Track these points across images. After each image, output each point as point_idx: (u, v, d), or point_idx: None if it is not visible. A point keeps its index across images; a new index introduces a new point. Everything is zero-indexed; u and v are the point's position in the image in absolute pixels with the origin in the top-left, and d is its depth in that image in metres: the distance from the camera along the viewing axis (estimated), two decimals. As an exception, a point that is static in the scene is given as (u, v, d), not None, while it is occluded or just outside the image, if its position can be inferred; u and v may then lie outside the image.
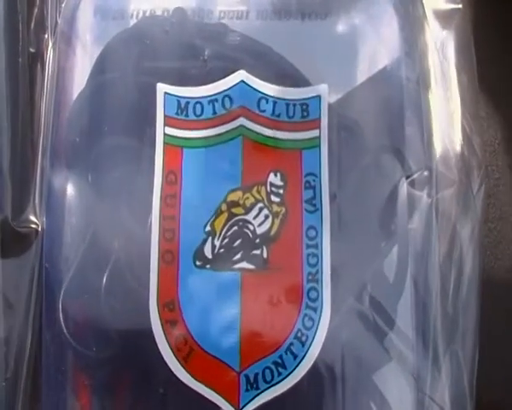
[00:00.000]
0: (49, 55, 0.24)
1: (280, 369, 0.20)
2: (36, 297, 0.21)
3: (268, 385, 0.20)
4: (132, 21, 0.24)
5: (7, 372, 0.21)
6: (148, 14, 0.24)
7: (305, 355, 0.20)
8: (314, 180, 0.22)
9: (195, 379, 0.20)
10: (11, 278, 0.21)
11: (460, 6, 0.26)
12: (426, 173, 0.21)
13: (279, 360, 0.20)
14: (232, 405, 0.20)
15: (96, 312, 0.21)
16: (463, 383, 0.22)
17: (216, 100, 0.22)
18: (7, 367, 0.21)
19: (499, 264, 0.27)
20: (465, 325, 0.23)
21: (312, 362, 0.20)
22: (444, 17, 0.26)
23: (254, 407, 0.20)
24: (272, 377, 0.20)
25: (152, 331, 0.20)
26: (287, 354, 0.20)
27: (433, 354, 0.22)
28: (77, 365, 0.20)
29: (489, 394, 0.23)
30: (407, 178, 0.22)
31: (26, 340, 0.20)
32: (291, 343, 0.20)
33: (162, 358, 0.20)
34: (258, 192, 0.22)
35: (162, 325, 0.20)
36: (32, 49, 0.24)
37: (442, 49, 0.26)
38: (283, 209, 0.21)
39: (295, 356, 0.20)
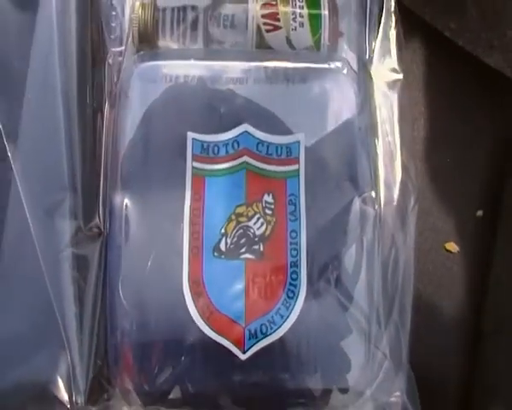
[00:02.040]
0: (107, 108, 0.36)
1: (272, 325, 0.32)
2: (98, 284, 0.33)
3: (264, 336, 0.31)
4: (165, 84, 0.36)
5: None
6: (174, 78, 0.36)
7: (288, 316, 0.32)
8: (295, 199, 0.34)
9: (214, 332, 0.31)
10: (82, 270, 0.33)
11: (401, 76, 0.38)
12: (372, 194, 0.34)
13: (271, 319, 0.32)
14: (239, 349, 0.31)
15: (144, 289, 0.32)
16: (400, 341, 0.34)
17: (228, 144, 0.34)
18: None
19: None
20: (401, 302, 0.35)
21: (293, 321, 0.32)
22: (389, 83, 0.39)
23: (254, 350, 0.31)
24: (267, 330, 0.31)
25: (185, 301, 0.32)
26: (276, 315, 0.32)
27: (378, 321, 0.34)
28: (129, 324, 0.32)
29: (418, 348, 0.35)
30: (359, 196, 0.34)
31: (97, 305, 0.32)
32: (279, 308, 0.32)
33: (192, 318, 0.31)
34: (257, 207, 0.34)
35: (192, 296, 0.32)
36: (94, 104, 0.36)
37: (388, 106, 0.38)
38: (274, 219, 0.33)
39: (282, 316, 0.32)
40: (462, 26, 0.89)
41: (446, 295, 0.39)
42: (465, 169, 0.40)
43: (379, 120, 0.37)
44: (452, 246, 0.40)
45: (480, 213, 0.40)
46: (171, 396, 0.33)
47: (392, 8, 0.40)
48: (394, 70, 0.38)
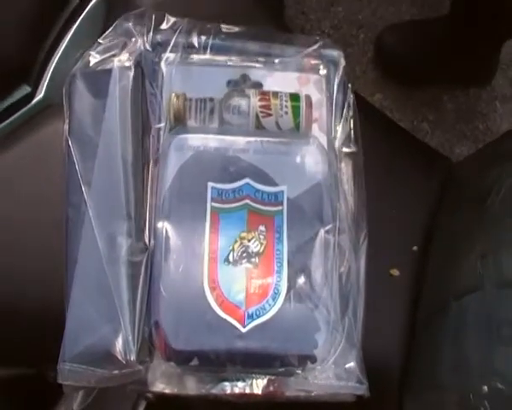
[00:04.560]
0: (151, 165, 0.57)
1: (263, 311, 0.51)
2: (145, 280, 0.52)
3: (257, 317, 0.51)
4: (191, 151, 0.57)
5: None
6: (198, 147, 0.57)
7: (274, 305, 0.51)
8: (280, 229, 0.54)
9: (224, 313, 0.51)
10: (134, 271, 0.53)
11: (355, 149, 0.60)
12: (331, 226, 0.54)
13: (262, 307, 0.51)
14: (241, 324, 0.51)
15: (177, 285, 0.52)
16: (353, 330, 0.54)
17: (235, 190, 0.55)
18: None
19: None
20: (354, 303, 0.55)
21: (277, 309, 0.51)
22: (348, 154, 0.60)
23: (251, 326, 0.51)
24: (259, 313, 0.51)
25: (205, 293, 0.51)
26: (266, 304, 0.51)
27: (336, 314, 0.54)
28: (166, 308, 0.51)
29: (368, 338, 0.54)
30: (324, 229, 0.54)
31: (144, 294, 0.51)
32: (268, 300, 0.52)
33: (209, 304, 0.51)
34: (254, 233, 0.54)
35: (210, 290, 0.51)
36: (143, 162, 0.56)
37: (347, 170, 0.60)
38: (265, 242, 0.54)
39: (270, 305, 0.51)
40: (439, 117, 1.20)
41: (390, 302, 0.59)
42: (404, 217, 0.62)
43: (340, 179, 0.58)
44: (394, 271, 0.60)
45: (415, 248, 0.61)
46: (190, 365, 0.52)
47: (352, 102, 0.62)
48: (351, 145, 0.60)
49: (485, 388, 0.51)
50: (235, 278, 0.53)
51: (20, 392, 0.70)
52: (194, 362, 0.52)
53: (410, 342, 0.59)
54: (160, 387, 0.53)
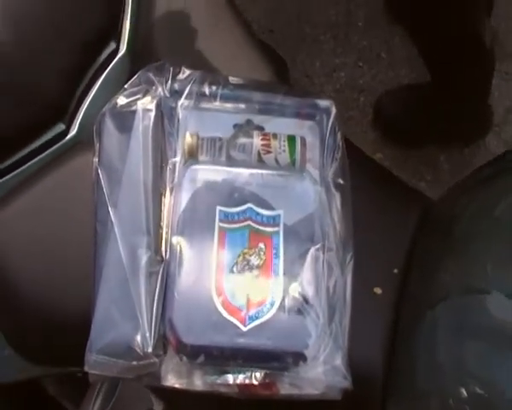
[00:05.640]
0: (168, 192, 0.69)
1: (261, 314, 0.62)
2: (161, 286, 0.64)
3: (257, 318, 0.62)
4: (203, 181, 0.69)
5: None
6: (208, 178, 0.69)
7: (271, 309, 0.63)
8: (277, 247, 0.66)
9: (228, 314, 0.62)
10: (152, 279, 0.64)
11: (343, 183, 0.72)
12: (321, 245, 0.66)
13: (261, 310, 0.62)
14: (242, 324, 0.62)
15: (189, 291, 0.63)
16: (339, 334, 0.65)
17: (239, 213, 0.67)
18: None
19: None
20: (340, 311, 0.66)
21: (274, 312, 0.62)
22: (336, 186, 0.72)
23: (251, 326, 0.62)
24: (258, 315, 0.62)
25: (213, 297, 0.62)
26: (265, 307, 0.63)
27: (324, 320, 0.64)
28: (179, 310, 0.62)
29: (353, 349, 0.65)
30: (314, 247, 0.66)
31: (160, 298, 0.63)
32: (266, 304, 0.63)
33: (216, 307, 0.62)
34: (255, 250, 0.65)
35: (216, 295, 0.63)
36: (161, 189, 0.68)
37: (335, 199, 0.71)
38: (264, 257, 0.65)
39: (268, 309, 0.62)
40: (435, 177, 1.36)
41: (374, 317, 0.70)
42: (386, 242, 0.73)
43: (329, 208, 0.70)
44: (378, 290, 0.71)
45: (395, 270, 0.72)
46: (198, 361, 0.63)
47: (341, 145, 0.74)
48: (340, 179, 0.72)
49: (464, 392, 0.61)
50: (239, 285, 0.64)
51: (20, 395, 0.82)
52: (201, 359, 0.63)
53: (391, 354, 0.69)
54: (172, 382, 0.63)
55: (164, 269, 0.65)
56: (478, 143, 1.61)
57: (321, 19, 1.73)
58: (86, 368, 0.61)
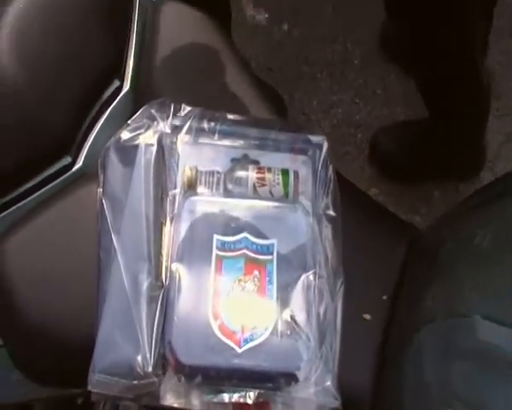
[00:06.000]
0: (168, 222, 0.73)
1: (255, 336, 0.67)
2: (161, 310, 0.68)
3: (251, 340, 0.66)
4: (200, 211, 0.74)
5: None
6: (205, 210, 0.74)
7: (264, 333, 0.67)
8: (270, 274, 0.70)
9: (224, 337, 0.66)
10: (152, 303, 0.68)
11: (334, 214, 0.77)
12: (312, 272, 0.70)
13: (255, 333, 0.67)
14: (237, 346, 0.66)
15: (187, 314, 0.68)
16: (329, 358, 0.69)
17: (235, 243, 0.71)
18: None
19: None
20: (330, 336, 0.70)
21: (267, 336, 0.67)
22: (328, 217, 0.77)
23: (246, 348, 0.66)
24: (252, 338, 0.66)
25: (210, 320, 0.67)
26: (259, 330, 0.67)
27: (315, 344, 0.69)
28: (178, 332, 0.67)
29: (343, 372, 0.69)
30: (305, 274, 0.70)
31: (160, 321, 0.67)
32: (259, 328, 0.67)
33: (213, 330, 0.67)
34: (250, 277, 0.70)
35: (213, 319, 0.67)
36: (162, 220, 0.73)
37: (327, 230, 0.76)
38: (259, 283, 0.70)
39: (262, 333, 0.67)
40: (430, 211, 1.43)
41: (363, 342, 0.74)
42: (376, 271, 0.78)
43: (321, 238, 0.75)
44: (367, 316, 0.75)
45: (384, 297, 0.77)
46: (195, 381, 0.67)
47: (333, 178, 0.79)
48: (331, 211, 0.77)
49: (450, 413, 0.65)
50: (234, 310, 0.68)
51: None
52: (199, 379, 0.67)
53: (380, 377, 0.74)
54: (170, 401, 0.68)
55: (164, 294, 0.69)
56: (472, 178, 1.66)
57: (318, 57, 1.80)
58: (89, 387, 0.66)
